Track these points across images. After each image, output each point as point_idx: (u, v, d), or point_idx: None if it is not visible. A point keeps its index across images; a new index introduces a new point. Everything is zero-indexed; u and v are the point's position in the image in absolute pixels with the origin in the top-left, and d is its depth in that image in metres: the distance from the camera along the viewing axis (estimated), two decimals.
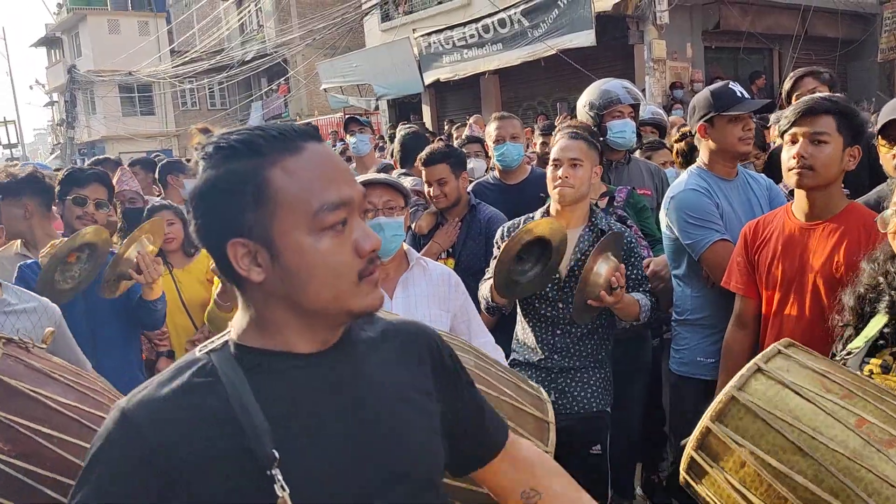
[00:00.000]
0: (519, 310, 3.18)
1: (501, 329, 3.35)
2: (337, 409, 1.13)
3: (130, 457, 1.05)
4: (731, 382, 1.86)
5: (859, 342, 1.97)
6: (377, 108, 19.94)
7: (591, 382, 3.02)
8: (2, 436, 1.64)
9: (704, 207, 2.92)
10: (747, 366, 1.88)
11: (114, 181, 4.78)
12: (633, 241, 3.08)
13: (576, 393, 3.01)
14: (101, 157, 7.38)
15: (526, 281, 2.92)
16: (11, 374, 1.72)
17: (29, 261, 3.22)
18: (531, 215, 3.19)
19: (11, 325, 2.32)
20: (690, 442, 1.87)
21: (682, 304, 3.12)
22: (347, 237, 1.10)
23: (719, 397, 1.88)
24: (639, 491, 3.98)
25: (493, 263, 2.93)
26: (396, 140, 4.65)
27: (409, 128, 7.71)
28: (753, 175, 3.18)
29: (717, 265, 2.84)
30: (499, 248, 3.16)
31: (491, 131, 4.18)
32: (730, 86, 2.99)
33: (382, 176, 2.71)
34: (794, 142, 2.48)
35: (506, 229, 3.19)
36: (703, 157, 3.09)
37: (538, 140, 5.79)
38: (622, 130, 3.81)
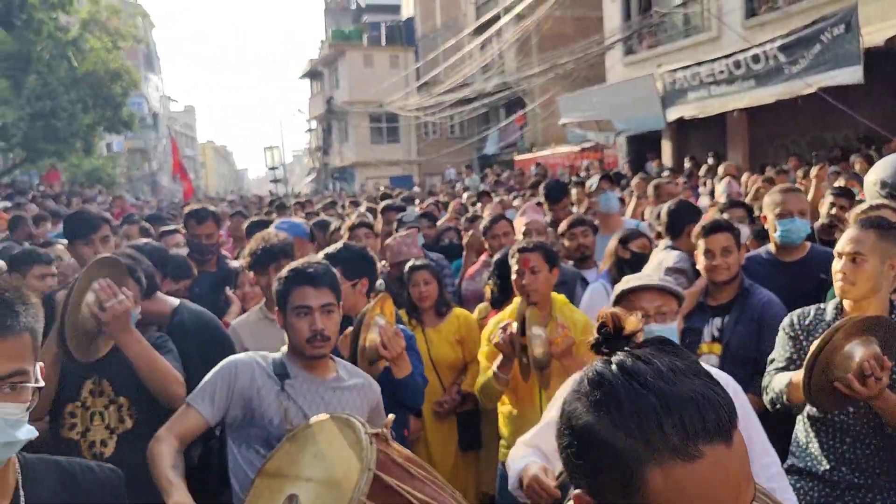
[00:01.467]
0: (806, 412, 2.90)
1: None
2: None
3: None
4: None
5: None
6: (614, 142, 19.70)
7: None
8: None
9: None
10: None
11: (397, 244, 4.97)
12: None
13: None
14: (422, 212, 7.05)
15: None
16: (385, 471, 1.93)
17: None
18: (821, 306, 2.91)
19: (344, 400, 2.58)
20: None
21: None
22: None
23: None
24: None
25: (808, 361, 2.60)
26: (663, 211, 4.45)
27: (663, 178, 7.43)
28: None
29: None
30: (793, 337, 2.88)
31: (773, 201, 3.86)
32: None
33: (656, 280, 2.56)
34: None
35: (795, 319, 2.90)
36: None
37: (827, 200, 5.04)
38: None
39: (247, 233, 6.32)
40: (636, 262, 4.12)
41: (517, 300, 3.58)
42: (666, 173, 14.29)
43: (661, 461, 0.91)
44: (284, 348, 2.66)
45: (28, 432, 1.27)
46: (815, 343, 2.58)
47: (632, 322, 1.09)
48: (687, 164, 15.43)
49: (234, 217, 7.25)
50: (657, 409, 0.92)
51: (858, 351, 2.46)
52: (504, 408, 3.60)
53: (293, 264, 2.68)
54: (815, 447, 2.81)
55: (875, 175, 3.63)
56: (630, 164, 18.03)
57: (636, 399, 0.93)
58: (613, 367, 0.99)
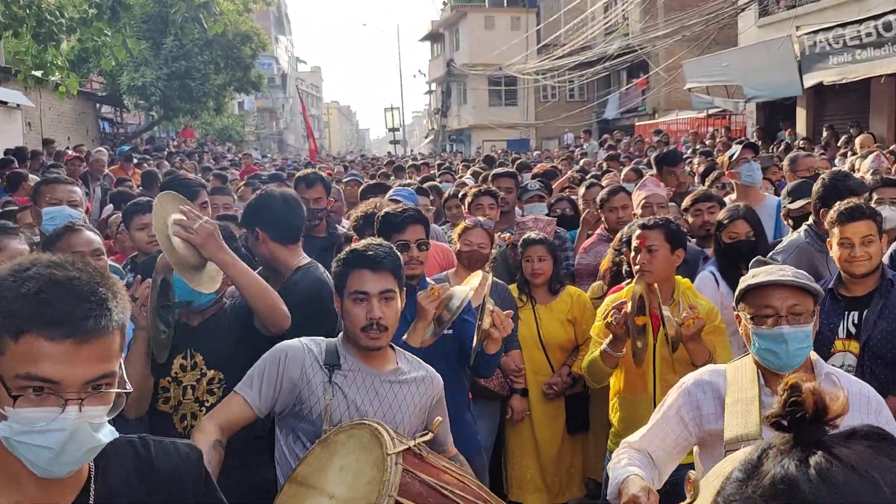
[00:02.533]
0: None
1: None
2: None
3: None
4: None
5: None
6: (744, 109, 18.68)
7: None
8: None
9: None
10: None
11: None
12: None
13: None
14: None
15: None
16: (409, 495, 1.78)
17: None
18: None
19: (401, 395, 2.41)
20: None
21: None
22: None
23: None
24: None
25: None
26: (818, 183, 3.94)
27: (802, 150, 6.75)
28: None
29: None
30: None
31: None
32: None
33: (789, 277, 2.21)
34: None
35: None
36: None
37: None
38: None
39: (361, 197, 6.33)
40: (735, 251, 3.78)
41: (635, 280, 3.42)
42: (802, 142, 13.43)
43: None
44: (342, 335, 2.48)
45: (110, 434, 1.25)
46: None
47: (839, 404, 0.84)
48: (824, 134, 14.43)
49: (350, 183, 7.27)
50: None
51: None
52: (614, 393, 3.46)
53: (354, 246, 2.52)
54: None
55: None
56: (760, 132, 17.05)
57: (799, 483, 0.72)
58: (812, 472, 0.74)
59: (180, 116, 24.87)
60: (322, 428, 2.24)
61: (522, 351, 4.00)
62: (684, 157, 9.72)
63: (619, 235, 4.11)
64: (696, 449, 2.36)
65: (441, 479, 1.88)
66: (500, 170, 6.76)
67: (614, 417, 3.46)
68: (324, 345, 2.42)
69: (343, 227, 5.14)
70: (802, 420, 0.82)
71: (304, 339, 2.43)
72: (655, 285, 3.21)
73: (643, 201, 4.75)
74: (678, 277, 3.49)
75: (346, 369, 2.37)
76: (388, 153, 32.01)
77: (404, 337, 2.84)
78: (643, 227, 3.40)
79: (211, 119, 29.97)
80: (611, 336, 3.21)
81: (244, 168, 15.72)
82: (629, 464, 2.20)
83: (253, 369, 2.35)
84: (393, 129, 41.84)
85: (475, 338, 2.83)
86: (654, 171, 6.09)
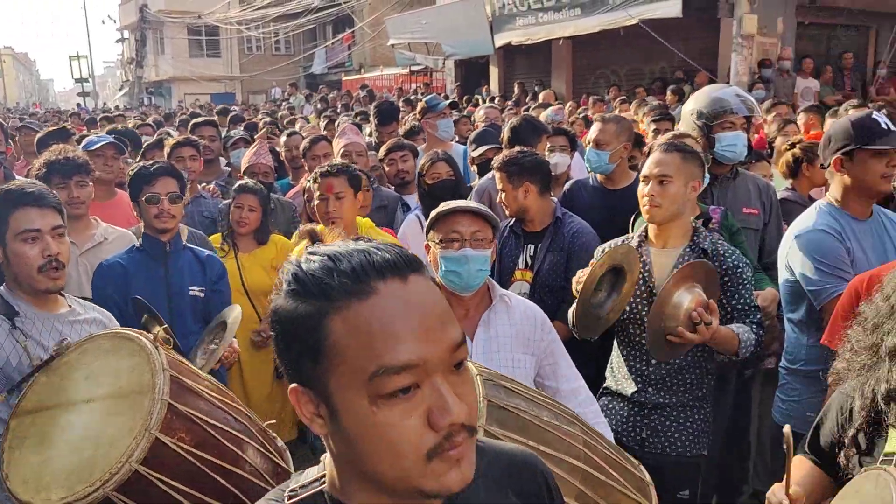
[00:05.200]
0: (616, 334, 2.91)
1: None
2: None
3: None
4: None
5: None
6: (443, 66, 19.54)
7: (689, 423, 2.75)
8: (185, 427, 1.82)
9: (834, 252, 2.60)
10: None
11: (249, 153, 4.84)
12: (742, 264, 2.73)
13: (670, 433, 2.75)
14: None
15: (605, 313, 2.67)
16: (180, 372, 1.87)
17: None
18: (629, 235, 2.96)
19: (84, 333, 2.32)
20: None
21: (795, 353, 2.81)
22: (416, 405, 0.88)
23: None
24: None
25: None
26: (506, 127, 4.40)
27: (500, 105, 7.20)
28: (890, 215, 2.82)
29: None
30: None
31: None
32: (873, 116, 2.65)
33: (473, 205, 2.47)
34: None
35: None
36: (834, 192, 2.75)
37: (650, 128, 5.37)
38: (733, 143, 3.47)
39: (38, 145, 5.58)
40: (438, 190, 3.93)
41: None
42: (498, 100, 14.39)
43: (340, 308, 0.89)
44: (3, 286, 2.33)
45: None
46: (585, 273, 2.63)
47: (332, 236, 1.07)
48: (515, 91, 15.60)
49: (23, 130, 6.35)
50: (325, 264, 0.91)
51: (684, 300, 2.48)
52: None
53: (5, 186, 2.33)
54: (624, 370, 2.85)
55: (692, 105, 3.65)
56: (459, 88, 17.99)
57: (316, 268, 0.92)
58: (303, 260, 0.97)
59: None
60: (20, 374, 2.12)
61: None
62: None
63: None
64: None
65: (191, 366, 2.01)
66: (200, 119, 6.46)
67: None
68: None
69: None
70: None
71: None
72: None
73: (342, 149, 4.74)
74: (359, 219, 3.62)
75: (24, 316, 2.25)
76: (77, 105, 28.77)
77: None
78: (324, 174, 3.43)
79: None
80: None
81: None
82: None
83: None
84: (81, 80, 37.67)
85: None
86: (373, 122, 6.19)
